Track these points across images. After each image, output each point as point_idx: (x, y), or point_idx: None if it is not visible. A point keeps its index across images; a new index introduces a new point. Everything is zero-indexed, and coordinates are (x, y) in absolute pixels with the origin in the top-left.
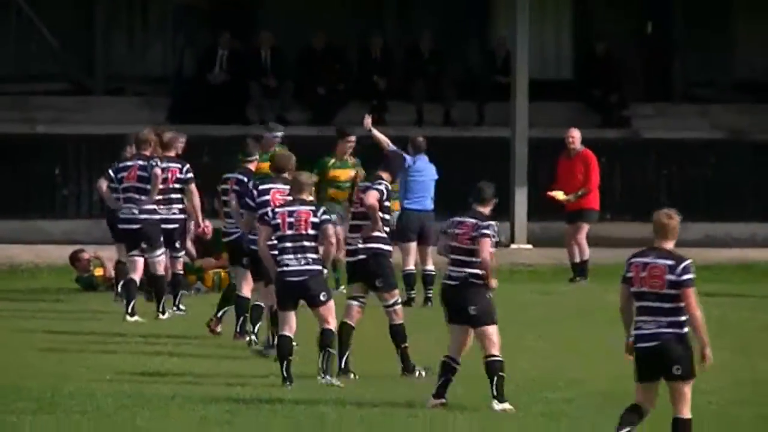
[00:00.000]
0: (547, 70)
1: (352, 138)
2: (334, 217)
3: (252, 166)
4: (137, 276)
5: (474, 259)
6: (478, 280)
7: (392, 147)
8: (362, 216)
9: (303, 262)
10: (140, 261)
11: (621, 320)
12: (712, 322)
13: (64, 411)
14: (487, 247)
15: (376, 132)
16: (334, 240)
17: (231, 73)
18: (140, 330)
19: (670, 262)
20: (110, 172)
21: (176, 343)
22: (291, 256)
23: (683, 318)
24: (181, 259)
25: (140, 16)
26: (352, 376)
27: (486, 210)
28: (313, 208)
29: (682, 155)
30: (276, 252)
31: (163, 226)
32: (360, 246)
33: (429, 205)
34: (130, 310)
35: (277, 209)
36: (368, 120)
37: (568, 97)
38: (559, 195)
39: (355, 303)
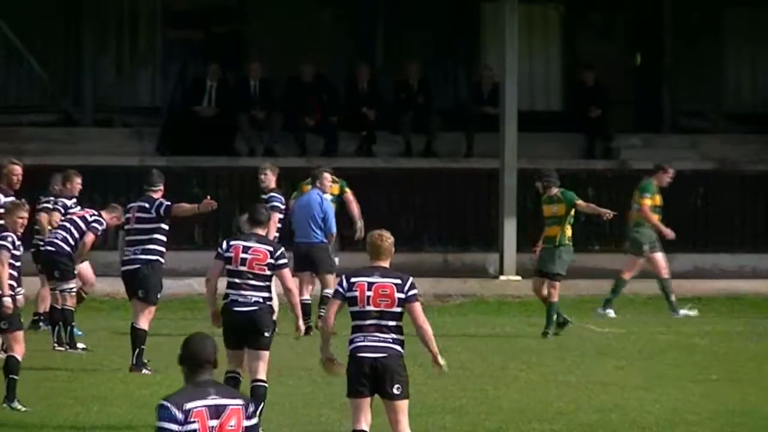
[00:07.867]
0: (535, 101)
1: None
2: None
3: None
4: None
5: (266, 284)
6: (270, 302)
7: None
8: None
9: None
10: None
11: (323, 336)
12: (700, 352)
13: None
14: (289, 278)
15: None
16: None
17: (220, 105)
18: (129, 361)
19: (396, 281)
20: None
21: (165, 374)
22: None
23: (403, 337)
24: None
25: (129, 47)
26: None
27: (264, 232)
28: None
29: (670, 186)
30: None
31: None
32: None
33: (314, 237)
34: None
35: None
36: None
37: (556, 128)
38: None
39: None
